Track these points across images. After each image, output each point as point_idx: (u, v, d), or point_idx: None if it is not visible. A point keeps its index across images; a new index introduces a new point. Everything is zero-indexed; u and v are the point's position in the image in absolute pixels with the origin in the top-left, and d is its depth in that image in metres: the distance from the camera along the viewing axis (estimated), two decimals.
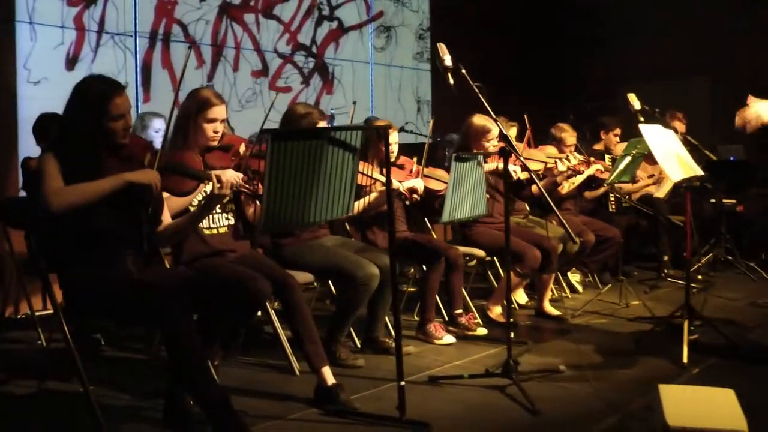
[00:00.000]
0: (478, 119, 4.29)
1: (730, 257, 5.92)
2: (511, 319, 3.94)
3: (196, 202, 3.04)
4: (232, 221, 3.23)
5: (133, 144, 2.70)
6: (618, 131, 5.81)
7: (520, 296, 4.83)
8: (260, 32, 6.05)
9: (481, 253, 4.25)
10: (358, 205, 3.62)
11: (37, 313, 3.90)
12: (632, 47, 8.20)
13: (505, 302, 4.50)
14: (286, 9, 6.25)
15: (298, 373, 3.34)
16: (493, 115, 3.09)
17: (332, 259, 3.45)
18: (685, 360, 3.42)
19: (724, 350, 3.65)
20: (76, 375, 2.63)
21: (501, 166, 4.24)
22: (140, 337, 3.91)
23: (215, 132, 3.15)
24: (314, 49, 6.47)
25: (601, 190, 5.39)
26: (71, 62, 4.93)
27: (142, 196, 2.56)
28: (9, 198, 4.39)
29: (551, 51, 8.48)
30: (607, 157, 5.62)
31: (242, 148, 3.23)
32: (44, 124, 3.87)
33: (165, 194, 2.88)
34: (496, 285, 4.73)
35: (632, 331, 4.13)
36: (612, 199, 5.62)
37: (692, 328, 3.72)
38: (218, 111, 3.14)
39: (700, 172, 3.70)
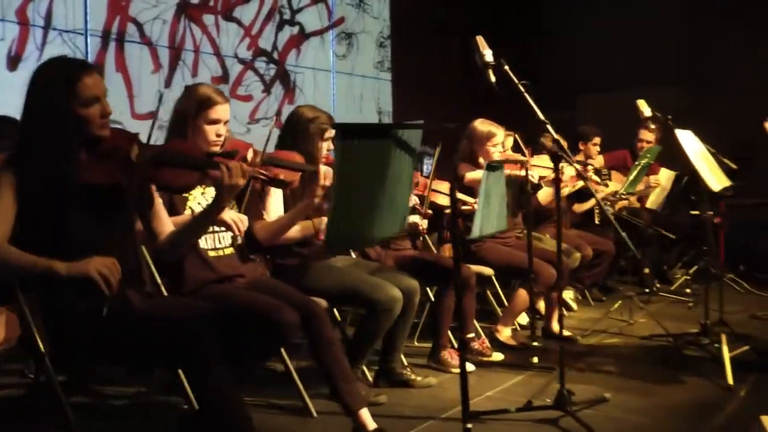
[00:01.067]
0: (481, 124, 4.01)
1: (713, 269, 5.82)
2: (535, 343, 3.67)
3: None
4: (239, 240, 2.77)
5: (116, 137, 2.17)
6: (598, 140, 5.64)
7: (521, 317, 4.51)
8: (220, 35, 5.55)
9: (489, 271, 3.91)
10: None
11: None
12: (593, 55, 8.00)
13: (515, 324, 4.23)
14: (246, 11, 5.77)
15: (315, 414, 2.89)
16: (541, 116, 2.77)
17: (347, 282, 3.02)
18: (730, 381, 3.19)
19: (755, 366, 3.46)
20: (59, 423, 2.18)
21: (515, 173, 3.95)
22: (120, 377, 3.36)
23: (218, 135, 2.70)
24: (275, 56, 6.02)
25: (590, 203, 5.20)
26: (13, 61, 4.30)
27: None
28: None
29: (510, 58, 8.27)
30: (589, 168, 5.43)
31: (250, 154, 2.79)
32: None
33: (159, 201, 2.41)
34: (496, 305, 4.41)
35: (652, 349, 3.90)
36: (596, 211, 5.42)
37: (717, 345, 3.55)
38: (221, 111, 2.70)
39: (729, 182, 3.52)
